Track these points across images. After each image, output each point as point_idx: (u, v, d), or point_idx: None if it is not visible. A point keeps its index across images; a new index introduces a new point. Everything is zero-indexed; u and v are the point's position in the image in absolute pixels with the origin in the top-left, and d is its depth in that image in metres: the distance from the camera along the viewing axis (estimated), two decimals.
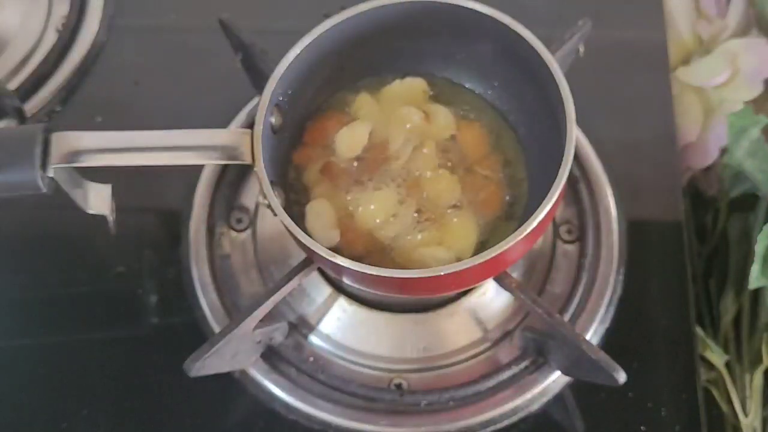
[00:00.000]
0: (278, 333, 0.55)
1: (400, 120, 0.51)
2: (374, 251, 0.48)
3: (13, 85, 0.64)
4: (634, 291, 0.57)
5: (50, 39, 0.67)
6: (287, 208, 0.46)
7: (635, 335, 0.56)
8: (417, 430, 0.53)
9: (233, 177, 0.60)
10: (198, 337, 0.54)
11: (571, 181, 0.59)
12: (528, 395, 0.54)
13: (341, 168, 0.50)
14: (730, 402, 0.56)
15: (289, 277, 0.50)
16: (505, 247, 0.43)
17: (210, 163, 0.59)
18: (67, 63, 0.66)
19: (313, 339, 0.56)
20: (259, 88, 0.51)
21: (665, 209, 0.60)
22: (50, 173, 0.44)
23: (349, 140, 0.51)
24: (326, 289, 0.57)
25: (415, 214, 0.49)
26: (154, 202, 0.62)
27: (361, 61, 0.52)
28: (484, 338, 0.56)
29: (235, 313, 0.55)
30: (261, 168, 0.45)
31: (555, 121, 0.46)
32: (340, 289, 0.56)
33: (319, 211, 0.49)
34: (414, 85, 0.53)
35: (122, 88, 0.65)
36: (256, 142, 0.46)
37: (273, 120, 0.48)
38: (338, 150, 0.51)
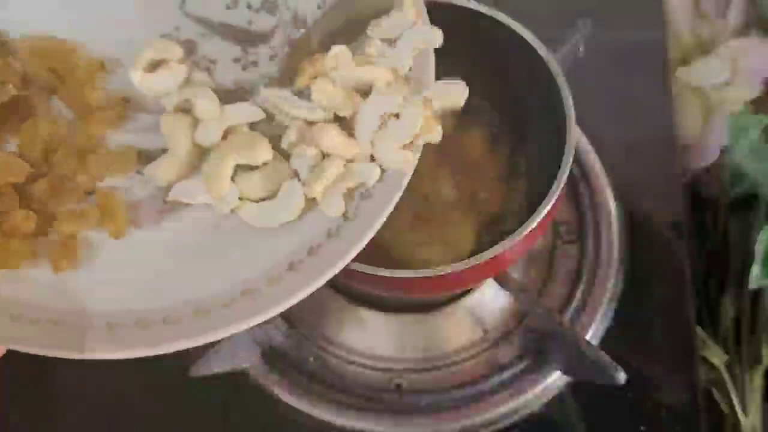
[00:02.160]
0: (278, 333, 0.55)
1: None
2: (370, 250, 0.48)
3: None
4: (634, 291, 0.57)
5: None
6: None
7: (635, 335, 0.56)
8: (417, 430, 0.53)
9: None
10: None
11: (571, 181, 0.59)
12: (528, 395, 0.54)
13: None
14: (730, 402, 0.56)
15: None
16: (505, 247, 0.43)
17: None
18: None
19: (313, 339, 0.56)
20: None
21: (665, 209, 0.60)
22: None
23: None
24: (326, 289, 0.56)
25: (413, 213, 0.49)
26: None
27: None
28: (484, 338, 0.56)
29: None
30: None
31: (555, 121, 0.46)
32: (340, 289, 0.57)
33: None
34: None
35: None
36: None
37: None
38: None
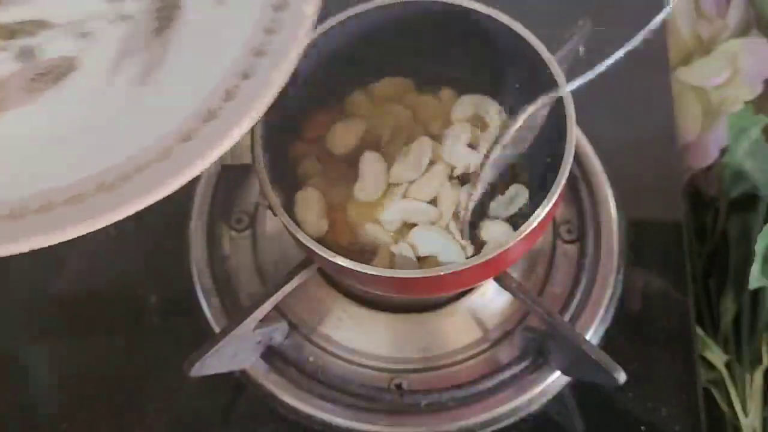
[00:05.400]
0: (278, 333, 0.55)
1: (386, 116, 0.51)
2: (359, 248, 0.48)
3: None
4: (634, 291, 0.57)
5: None
6: (287, 208, 0.46)
7: (635, 335, 0.56)
8: (417, 430, 0.53)
9: (233, 177, 0.60)
10: (198, 337, 0.54)
11: (571, 181, 0.59)
12: (528, 395, 0.54)
13: (334, 163, 0.50)
14: (730, 402, 0.56)
15: (289, 277, 0.50)
16: (505, 247, 0.43)
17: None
18: None
19: (313, 339, 0.56)
20: None
21: (665, 209, 0.60)
22: None
23: (343, 136, 0.51)
24: (326, 289, 0.57)
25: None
26: (155, 202, 0.62)
27: (360, 62, 0.52)
28: (484, 338, 0.56)
29: (235, 313, 0.55)
30: (261, 168, 0.45)
31: (555, 122, 0.46)
32: (340, 289, 0.56)
33: (309, 200, 0.49)
34: (399, 82, 0.52)
35: None
36: (256, 142, 0.46)
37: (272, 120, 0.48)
38: (331, 145, 0.51)
